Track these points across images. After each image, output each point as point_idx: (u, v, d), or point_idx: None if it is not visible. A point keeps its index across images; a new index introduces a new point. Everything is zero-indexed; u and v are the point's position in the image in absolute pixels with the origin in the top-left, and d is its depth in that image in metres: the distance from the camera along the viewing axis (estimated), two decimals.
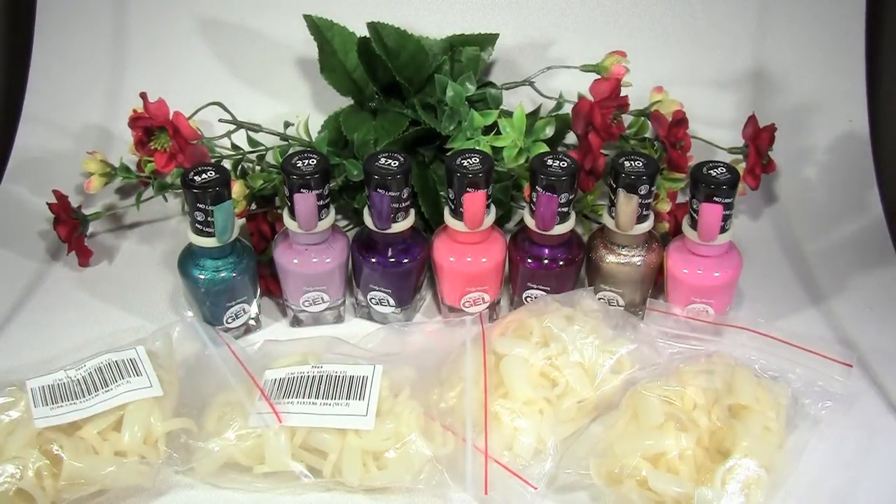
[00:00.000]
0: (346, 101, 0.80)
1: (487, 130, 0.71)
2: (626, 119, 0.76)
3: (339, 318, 0.71)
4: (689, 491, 0.52)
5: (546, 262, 0.65)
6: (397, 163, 0.62)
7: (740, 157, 0.76)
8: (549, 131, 0.69)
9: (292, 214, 0.63)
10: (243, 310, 0.68)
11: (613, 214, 0.64)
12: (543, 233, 0.63)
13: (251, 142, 0.74)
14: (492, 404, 0.58)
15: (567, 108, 0.74)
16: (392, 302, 0.68)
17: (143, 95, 0.71)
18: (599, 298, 0.67)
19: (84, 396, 0.56)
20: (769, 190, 0.83)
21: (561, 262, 0.66)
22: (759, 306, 0.71)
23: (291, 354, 0.62)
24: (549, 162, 0.62)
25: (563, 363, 0.59)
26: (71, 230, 0.74)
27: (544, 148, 0.68)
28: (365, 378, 0.58)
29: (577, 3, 0.86)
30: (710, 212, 0.61)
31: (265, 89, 0.87)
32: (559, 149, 0.78)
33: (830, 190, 0.82)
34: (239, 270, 0.65)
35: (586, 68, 0.74)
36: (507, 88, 0.77)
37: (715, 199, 0.60)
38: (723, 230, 0.62)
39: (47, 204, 0.74)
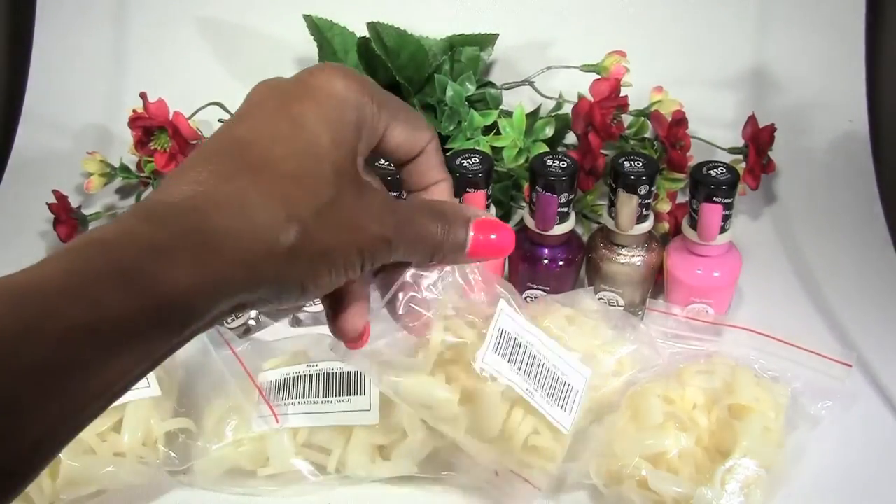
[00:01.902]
0: None
1: (487, 130, 0.71)
2: (626, 119, 0.76)
3: None
4: (689, 491, 0.52)
5: (546, 262, 0.65)
6: None
7: (740, 157, 0.76)
8: (549, 131, 0.70)
9: None
10: None
11: (613, 214, 0.64)
12: (543, 233, 0.63)
13: None
14: None
15: (567, 108, 0.74)
16: None
17: (143, 95, 0.71)
18: (599, 299, 0.67)
19: None
20: (769, 190, 0.83)
21: (561, 262, 0.65)
22: (759, 306, 0.71)
23: (281, 354, 0.61)
24: (549, 162, 0.62)
25: None
26: (71, 230, 0.74)
27: (544, 148, 0.68)
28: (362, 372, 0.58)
29: (577, 3, 0.86)
30: (710, 212, 0.61)
31: None
32: (559, 149, 0.78)
33: (830, 190, 0.82)
34: None
35: (586, 68, 0.74)
36: (507, 88, 0.77)
37: (715, 199, 0.60)
38: (722, 230, 0.62)
39: (47, 204, 0.74)
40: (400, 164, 0.42)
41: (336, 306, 0.41)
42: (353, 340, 0.42)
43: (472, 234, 0.40)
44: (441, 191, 0.43)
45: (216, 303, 0.32)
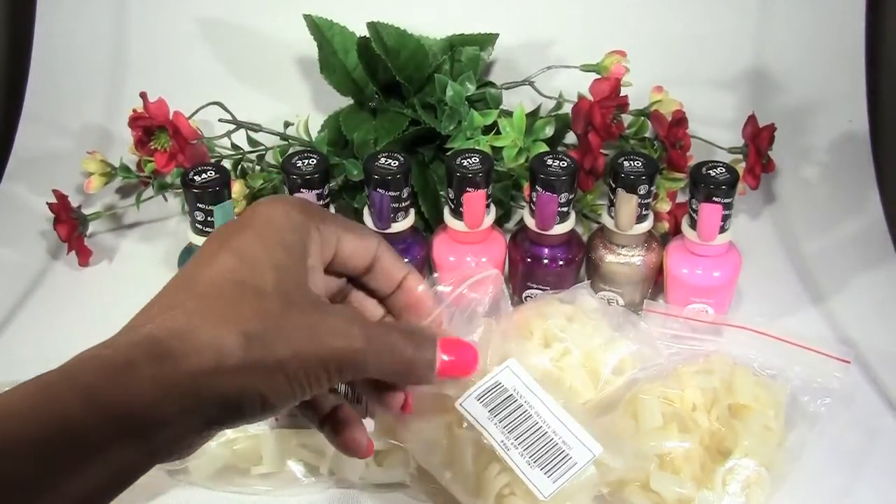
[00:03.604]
0: (346, 101, 0.80)
1: (487, 130, 0.71)
2: (626, 119, 0.76)
3: None
4: (692, 492, 0.52)
5: (546, 261, 0.65)
6: (397, 162, 0.62)
7: (740, 156, 0.76)
8: (549, 131, 0.69)
9: None
10: None
11: (613, 214, 0.64)
12: (543, 233, 0.63)
13: (251, 142, 0.74)
14: None
15: (567, 108, 0.74)
16: None
17: (143, 95, 0.71)
18: (599, 297, 0.67)
19: None
20: (769, 190, 0.83)
21: (561, 262, 0.66)
22: (759, 306, 0.71)
23: None
24: (549, 162, 0.62)
25: (567, 364, 0.59)
26: (71, 230, 0.74)
27: (544, 148, 0.68)
28: None
29: (577, 3, 0.86)
30: (710, 212, 0.61)
31: (265, 89, 0.87)
32: (559, 149, 0.78)
33: (830, 190, 0.82)
34: None
35: (586, 68, 0.74)
36: (507, 88, 0.77)
37: (714, 198, 0.60)
38: (722, 230, 0.62)
39: (47, 204, 0.74)
40: (360, 273, 0.44)
41: (335, 431, 0.44)
42: (362, 455, 0.44)
43: (440, 353, 0.42)
44: (412, 282, 0.45)
45: (176, 417, 0.34)
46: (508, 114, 0.71)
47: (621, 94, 0.70)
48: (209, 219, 0.61)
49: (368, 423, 0.55)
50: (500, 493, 0.50)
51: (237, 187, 0.69)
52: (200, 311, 0.35)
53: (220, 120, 0.75)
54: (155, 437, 0.33)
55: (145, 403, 0.33)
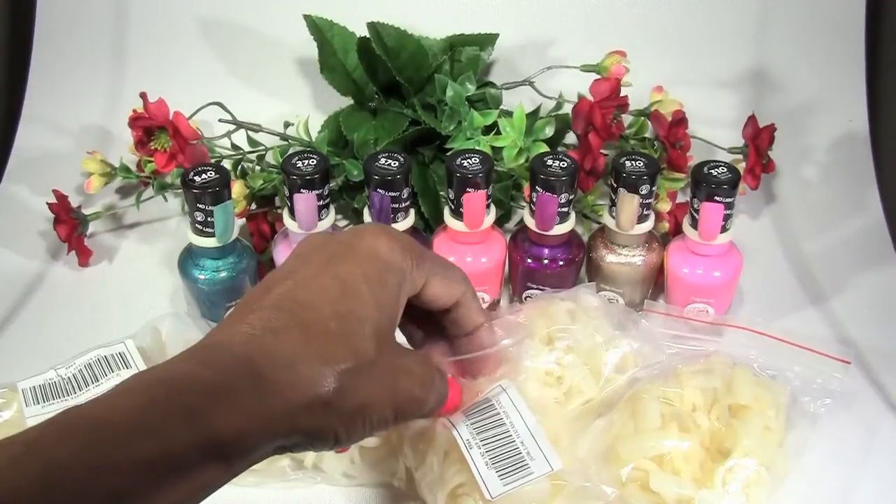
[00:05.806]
0: (346, 101, 0.80)
1: (487, 130, 0.71)
2: (626, 119, 0.76)
3: None
4: (691, 493, 0.52)
5: (546, 262, 0.65)
6: (397, 163, 0.62)
7: (740, 156, 0.76)
8: (549, 131, 0.69)
9: (292, 214, 0.63)
10: None
11: (614, 214, 0.64)
12: (543, 233, 0.63)
13: (251, 142, 0.74)
14: None
15: (567, 108, 0.74)
16: None
17: (143, 95, 0.71)
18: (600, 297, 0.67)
19: (75, 393, 0.57)
20: (769, 190, 0.83)
21: (561, 262, 0.66)
22: (759, 306, 0.71)
23: None
24: (549, 162, 0.62)
25: (569, 363, 0.59)
26: (71, 230, 0.74)
27: (544, 148, 0.68)
28: None
29: (577, 3, 0.86)
30: (711, 211, 0.61)
31: (265, 89, 0.87)
32: (559, 149, 0.78)
33: (830, 190, 0.82)
34: (239, 270, 0.65)
35: (586, 68, 0.74)
36: (507, 88, 0.77)
37: (716, 198, 0.60)
38: (723, 230, 0.62)
39: (47, 204, 0.74)
40: (438, 311, 0.45)
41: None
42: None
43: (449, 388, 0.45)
44: (484, 333, 0.47)
45: (261, 445, 0.35)
46: (508, 114, 0.71)
47: (621, 95, 0.70)
48: (209, 219, 0.61)
49: None
50: (455, 493, 0.51)
51: (237, 187, 0.69)
52: (305, 343, 0.36)
53: (220, 120, 0.75)
54: (239, 462, 0.35)
55: (239, 433, 0.34)
